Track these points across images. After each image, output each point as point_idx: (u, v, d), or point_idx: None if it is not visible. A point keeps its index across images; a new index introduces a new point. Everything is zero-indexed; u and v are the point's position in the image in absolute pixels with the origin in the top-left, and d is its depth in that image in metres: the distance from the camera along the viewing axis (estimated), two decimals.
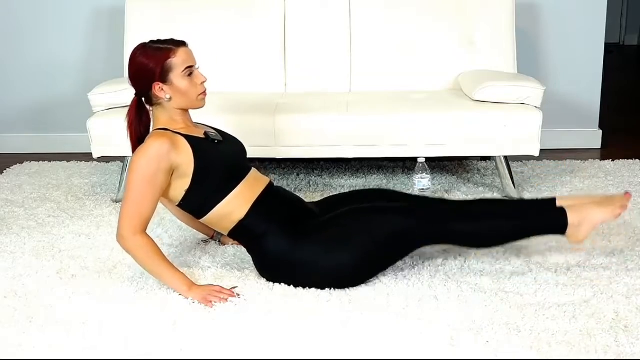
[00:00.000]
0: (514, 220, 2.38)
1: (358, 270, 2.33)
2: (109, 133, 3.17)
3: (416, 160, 3.14)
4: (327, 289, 2.29)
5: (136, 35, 3.66)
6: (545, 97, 3.20)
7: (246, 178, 2.37)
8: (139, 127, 2.37)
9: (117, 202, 3.25)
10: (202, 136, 2.37)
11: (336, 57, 3.65)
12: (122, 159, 3.47)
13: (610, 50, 5.08)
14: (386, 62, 3.61)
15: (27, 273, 2.51)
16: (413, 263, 2.50)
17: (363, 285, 2.34)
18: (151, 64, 2.27)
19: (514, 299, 2.23)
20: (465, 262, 2.51)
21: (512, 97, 3.14)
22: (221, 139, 2.42)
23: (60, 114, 4.20)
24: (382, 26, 3.63)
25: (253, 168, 2.44)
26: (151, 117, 2.39)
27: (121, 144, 3.18)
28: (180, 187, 2.30)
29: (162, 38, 2.36)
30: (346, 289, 2.31)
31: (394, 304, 2.22)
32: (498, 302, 2.21)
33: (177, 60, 2.29)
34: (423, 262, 2.51)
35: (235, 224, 2.34)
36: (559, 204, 2.39)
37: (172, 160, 2.25)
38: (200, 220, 2.40)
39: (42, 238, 2.83)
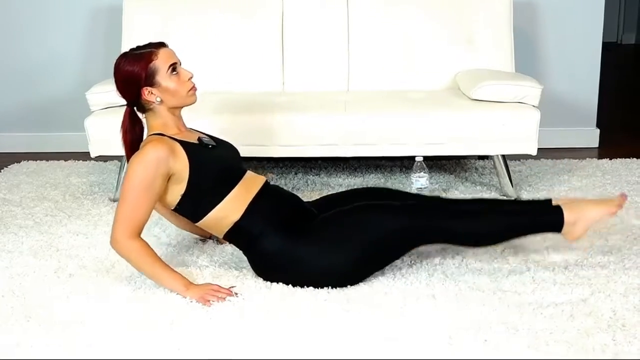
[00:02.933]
0: (511, 218, 2.38)
1: (355, 269, 2.33)
2: (106, 132, 3.16)
3: (414, 159, 3.14)
4: (324, 288, 2.29)
5: (134, 34, 3.66)
6: (543, 96, 3.20)
7: (242, 180, 2.37)
8: (133, 137, 2.39)
9: (114, 201, 3.25)
10: (196, 142, 2.38)
11: (334, 57, 3.65)
12: (119, 158, 3.46)
13: (608, 49, 5.09)
14: (384, 61, 3.61)
15: (25, 272, 2.51)
16: (411, 262, 2.50)
17: (361, 284, 2.34)
18: (136, 70, 2.29)
19: (512, 298, 2.23)
20: (463, 261, 2.51)
21: (510, 96, 3.14)
22: (214, 144, 2.43)
23: (57, 113, 4.19)
24: (380, 25, 3.63)
25: (248, 170, 2.44)
26: (144, 125, 2.41)
27: (119, 143, 3.18)
28: (177, 192, 2.31)
29: (140, 44, 2.37)
30: (343, 288, 2.31)
31: (392, 303, 2.22)
32: (496, 301, 2.21)
33: (160, 62, 2.30)
34: (421, 261, 2.51)
35: (230, 226, 2.34)
36: (554, 204, 2.40)
37: (169, 166, 2.26)
38: (196, 224, 2.40)
39: (40, 237, 2.83)
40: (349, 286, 2.32)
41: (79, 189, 3.45)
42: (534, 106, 3.15)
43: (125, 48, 3.65)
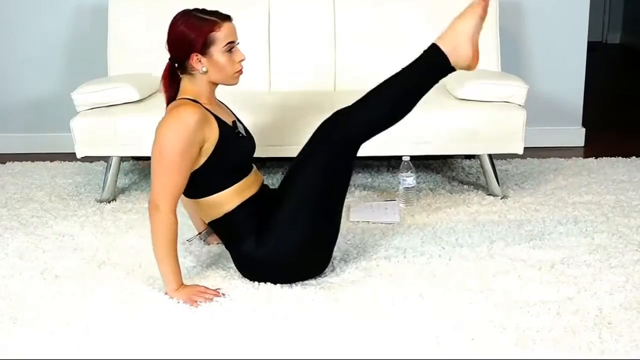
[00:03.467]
0: (401, 80, 2.34)
1: (320, 236, 2.34)
2: (92, 133, 3.15)
3: (401, 158, 3.15)
4: (312, 288, 2.29)
5: (119, 34, 3.65)
6: (529, 96, 3.21)
7: (248, 176, 2.36)
8: (172, 91, 2.32)
9: (101, 202, 3.23)
10: (230, 123, 2.34)
11: (321, 56, 3.65)
12: (106, 158, 3.45)
13: (593, 48, 5.11)
14: (370, 60, 3.62)
15: (11, 274, 2.49)
16: (398, 262, 2.51)
17: (349, 284, 2.34)
18: (193, 35, 2.21)
19: (499, 297, 2.24)
20: (450, 260, 2.52)
21: (496, 95, 3.15)
22: (244, 134, 2.40)
23: (43, 114, 4.17)
24: (367, 25, 3.64)
25: (254, 166, 2.44)
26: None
27: (105, 144, 3.17)
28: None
29: (207, 9, 2.28)
30: (331, 288, 2.31)
31: (380, 302, 2.22)
32: (483, 300, 2.22)
33: (221, 35, 2.24)
34: (408, 261, 2.51)
35: (220, 215, 2.33)
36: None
37: (205, 133, 2.21)
38: (189, 199, 2.38)
39: (26, 239, 2.81)
40: (336, 286, 2.32)
41: (65, 190, 3.43)
42: (520, 105, 3.16)
43: (111, 48, 3.65)
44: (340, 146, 2.34)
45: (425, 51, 2.35)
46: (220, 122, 2.28)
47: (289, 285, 2.33)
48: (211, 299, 2.23)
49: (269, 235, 2.30)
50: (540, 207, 3.04)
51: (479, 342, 1.98)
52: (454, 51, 2.28)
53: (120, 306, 2.24)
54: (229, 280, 2.39)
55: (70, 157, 3.64)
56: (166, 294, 2.27)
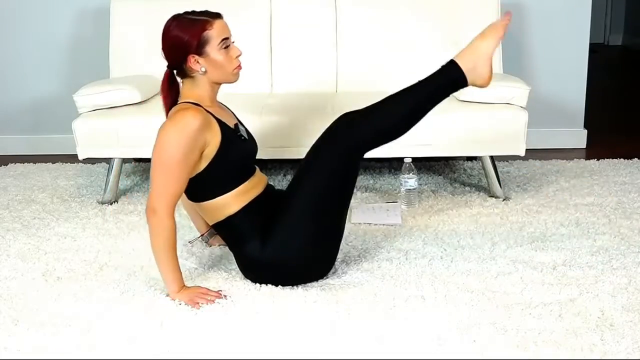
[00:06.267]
0: (416, 94, 2.34)
1: (324, 240, 2.34)
2: (94, 134, 3.15)
3: (403, 160, 3.15)
4: (314, 289, 2.29)
5: (121, 35, 3.65)
6: (531, 97, 3.21)
7: (251, 178, 2.36)
8: (171, 101, 2.32)
9: (102, 203, 3.24)
10: (232, 126, 2.34)
11: (322, 58, 3.65)
12: (107, 160, 3.46)
13: (595, 50, 5.11)
14: (372, 62, 3.62)
15: (13, 275, 2.50)
16: (400, 263, 2.51)
17: (350, 286, 2.34)
18: (187, 37, 2.22)
19: (501, 299, 2.24)
20: (452, 262, 2.51)
21: (498, 97, 3.15)
22: (246, 136, 2.40)
23: (45, 116, 4.18)
24: (368, 27, 3.64)
25: (257, 168, 2.44)
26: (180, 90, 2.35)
27: (107, 145, 3.18)
28: (194, 168, 2.26)
29: (196, 10, 2.30)
30: (333, 289, 2.31)
31: (381, 304, 2.22)
32: (485, 301, 2.22)
33: (214, 33, 2.24)
34: (410, 263, 2.51)
35: (223, 218, 2.33)
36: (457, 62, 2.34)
37: (206, 137, 2.21)
38: (192, 203, 2.38)
39: (28, 240, 2.81)
40: (338, 287, 2.32)
41: (66, 192, 3.44)
42: (521, 107, 3.16)
43: (113, 50, 3.66)
44: (347, 151, 2.34)
45: (443, 66, 2.36)
46: (223, 125, 2.28)
47: (290, 287, 2.33)
48: (213, 301, 2.23)
49: (275, 237, 2.30)
50: (542, 209, 3.04)
51: (481, 343, 1.97)
52: (472, 70, 2.31)
53: (122, 308, 2.23)
54: (230, 281, 2.39)
55: (72, 158, 3.65)
56: (167, 295, 2.27)
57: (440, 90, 2.35)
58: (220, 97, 2.43)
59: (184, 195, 2.49)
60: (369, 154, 3.15)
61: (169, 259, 2.23)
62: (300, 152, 3.16)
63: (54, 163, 3.92)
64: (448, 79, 2.33)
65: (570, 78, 4.06)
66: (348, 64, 3.64)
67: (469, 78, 2.31)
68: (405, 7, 3.65)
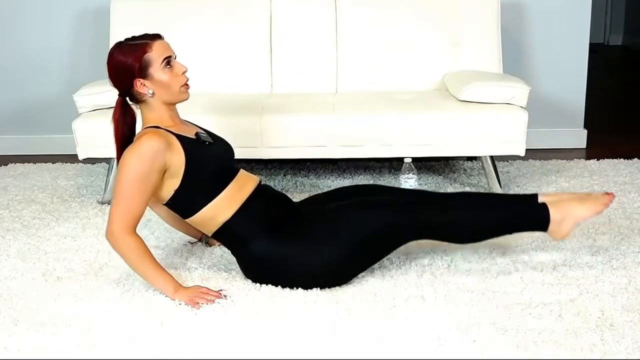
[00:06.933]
0: (495, 213, 2.36)
1: (341, 268, 2.32)
2: (94, 134, 3.16)
3: (403, 160, 3.15)
4: (314, 290, 2.29)
5: (121, 36, 3.63)
6: (531, 97, 3.21)
7: (235, 180, 2.36)
8: (124, 128, 2.36)
9: (102, 203, 3.24)
10: (193, 137, 2.36)
11: (323, 58, 3.65)
12: (107, 160, 3.46)
13: (595, 50, 5.11)
14: (372, 62, 3.62)
15: (13, 275, 2.50)
16: (400, 263, 2.51)
17: (350, 286, 2.34)
18: (129, 61, 2.26)
19: (501, 299, 2.24)
20: (451, 262, 2.51)
21: (498, 97, 3.15)
22: (211, 140, 2.41)
23: (45, 115, 4.18)
24: (368, 26, 3.64)
25: (241, 169, 2.44)
26: (137, 116, 2.38)
27: (107, 145, 3.17)
28: (170, 186, 2.29)
29: (136, 35, 2.33)
30: (333, 290, 2.31)
31: (381, 304, 2.22)
32: (485, 301, 2.22)
33: (154, 54, 2.27)
34: (410, 263, 2.51)
35: (220, 225, 2.33)
36: (541, 200, 2.38)
37: (165, 159, 2.23)
38: (186, 220, 2.39)
39: (28, 240, 2.81)
40: (338, 288, 2.32)
41: (66, 192, 3.44)
42: (521, 107, 3.16)
43: None
44: (411, 222, 2.33)
45: (534, 201, 2.38)
46: (183, 139, 2.30)
47: (291, 287, 2.32)
48: (213, 301, 2.23)
49: (307, 235, 2.30)
50: None
51: (481, 343, 1.97)
52: (559, 223, 2.33)
53: (122, 308, 2.23)
54: (230, 281, 2.39)
55: (72, 158, 3.65)
56: (167, 296, 2.27)
57: (521, 223, 2.37)
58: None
59: (170, 215, 2.55)
60: (369, 154, 3.17)
61: (149, 269, 2.25)
62: (300, 152, 3.18)
63: (54, 163, 3.92)
64: (533, 218, 2.35)
65: (570, 78, 4.06)
66: (348, 64, 3.64)
67: (551, 227, 2.33)
68: (405, 7, 3.65)
